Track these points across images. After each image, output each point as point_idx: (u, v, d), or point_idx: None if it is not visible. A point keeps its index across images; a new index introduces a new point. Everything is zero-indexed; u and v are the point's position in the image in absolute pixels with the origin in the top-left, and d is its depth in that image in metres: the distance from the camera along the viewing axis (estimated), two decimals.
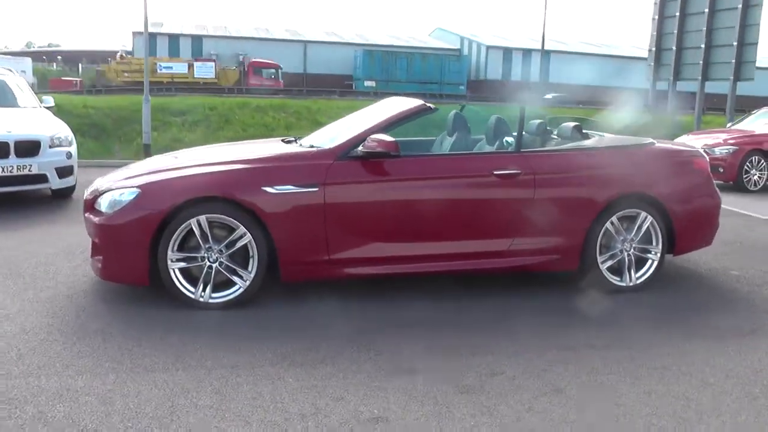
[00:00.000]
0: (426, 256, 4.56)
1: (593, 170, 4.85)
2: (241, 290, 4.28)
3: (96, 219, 4.32)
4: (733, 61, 18.16)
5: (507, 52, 43.61)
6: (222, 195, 4.20)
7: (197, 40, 41.47)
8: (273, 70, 38.01)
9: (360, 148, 4.43)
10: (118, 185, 4.41)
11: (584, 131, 5.35)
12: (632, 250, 4.97)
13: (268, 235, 4.24)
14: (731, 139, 10.94)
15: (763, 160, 10.54)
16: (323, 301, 4.47)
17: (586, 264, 4.88)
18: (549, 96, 23.71)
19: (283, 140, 5.46)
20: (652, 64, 22.05)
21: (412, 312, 4.39)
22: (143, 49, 14.80)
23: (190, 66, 36.37)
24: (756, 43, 17.83)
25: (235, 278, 4.27)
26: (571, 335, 4.10)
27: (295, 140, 5.28)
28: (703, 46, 19.30)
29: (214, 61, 37.40)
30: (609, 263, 4.94)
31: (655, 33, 21.66)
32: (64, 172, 7.53)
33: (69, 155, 7.61)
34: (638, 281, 5.00)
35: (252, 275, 4.26)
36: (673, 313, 4.67)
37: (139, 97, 19.90)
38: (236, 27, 46.62)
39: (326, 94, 31.31)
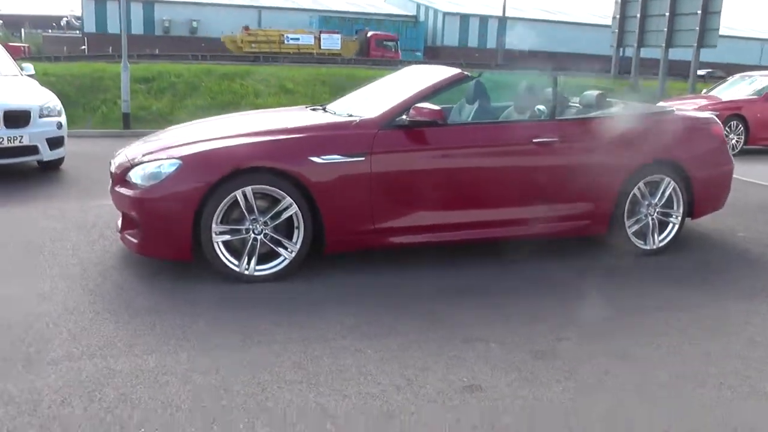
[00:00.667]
0: (468, 224, 4.57)
1: (623, 137, 4.91)
2: (287, 262, 4.20)
3: (132, 192, 4.15)
4: (697, 28, 18.58)
5: (464, 18, 43.55)
6: (269, 165, 4.09)
7: (149, 5, 40.00)
8: (392, 42, 38.49)
9: (404, 116, 4.37)
10: (153, 157, 4.24)
11: (608, 99, 5.39)
12: (655, 214, 5.09)
13: (313, 206, 4.16)
14: (711, 105, 11.25)
15: (741, 125, 10.91)
16: (370, 272, 4.44)
17: (614, 228, 4.98)
18: (703, 72, 23.82)
19: (308, 108, 5.39)
20: (616, 31, 22.39)
21: (463, 280, 4.38)
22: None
23: (316, 38, 36.85)
24: (719, 12, 18.28)
25: (280, 250, 4.19)
26: (619, 298, 4.19)
27: (323, 108, 5.18)
28: (667, 14, 19.67)
29: (338, 33, 37.64)
30: (635, 227, 5.05)
31: (619, 1, 21.96)
32: (54, 143, 7.20)
33: (59, 125, 7.27)
34: (660, 244, 5.14)
35: (297, 246, 4.19)
36: (699, 274, 4.80)
37: (98, 64, 19.20)
38: None
39: (279, 60, 30.69)
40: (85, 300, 3.85)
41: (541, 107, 5.12)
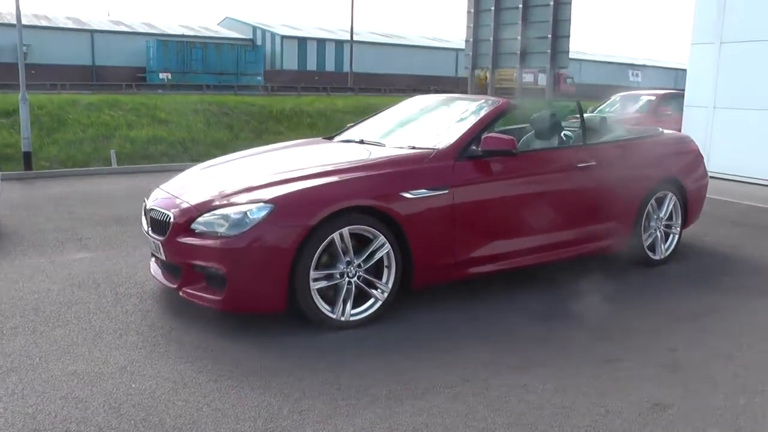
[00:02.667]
0: (534, 249, 4.70)
1: (643, 158, 5.35)
2: (380, 304, 4.04)
3: (214, 243, 3.76)
4: (549, 51, 20.30)
5: (302, 42, 43.83)
6: (366, 204, 3.92)
7: None
8: (571, 78, 39.46)
9: (477, 147, 4.41)
10: (229, 201, 3.88)
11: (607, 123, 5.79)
12: (662, 227, 5.57)
13: (404, 243, 4.06)
14: None
15: None
16: (446, 307, 4.40)
17: (633, 243, 5.36)
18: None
19: (323, 139, 5.30)
20: (470, 53, 23.78)
21: (536, 305, 4.50)
22: None
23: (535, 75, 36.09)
24: (568, 36, 20.05)
25: (373, 291, 4.03)
26: (666, 305, 4.61)
27: (343, 140, 5.09)
28: (519, 37, 21.28)
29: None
30: (648, 241, 5.49)
31: (471, 25, 23.34)
32: None
33: None
34: (666, 254, 5.63)
35: (389, 286, 4.05)
36: (708, 278, 5.32)
37: None
38: (12, 13, 40.81)
39: (115, 88, 28.96)
40: (183, 369, 3.42)
41: (568, 133, 5.40)
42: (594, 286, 4.80)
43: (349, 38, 44.46)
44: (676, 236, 5.71)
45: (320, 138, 5.63)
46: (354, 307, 3.98)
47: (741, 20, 9.85)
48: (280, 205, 3.76)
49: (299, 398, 3.09)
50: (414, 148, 4.53)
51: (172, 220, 3.95)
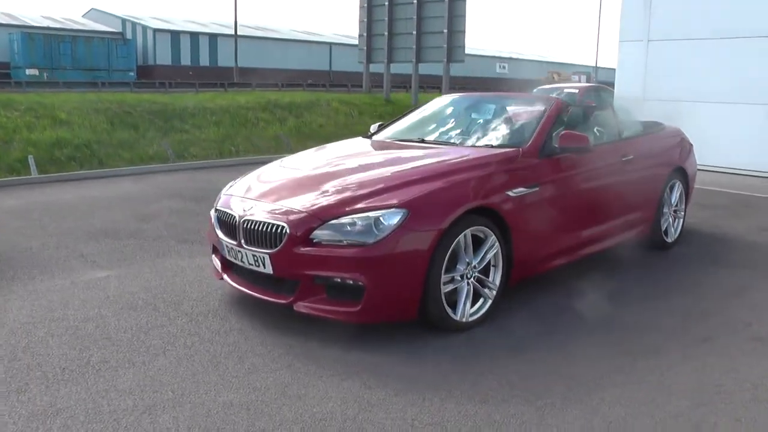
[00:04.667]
0: (595, 238, 4.92)
1: (660, 150, 5.73)
2: (490, 303, 4.03)
3: (348, 252, 3.54)
4: (445, 46, 20.88)
5: (175, 35, 41.72)
6: (485, 204, 3.89)
7: None
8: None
9: (555, 144, 4.50)
10: (351, 209, 3.67)
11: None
12: (672, 212, 5.99)
13: (508, 241, 4.08)
14: None
15: None
16: (546, 307, 4.47)
17: (654, 230, 5.73)
18: None
19: (364, 138, 5.31)
20: (365, 48, 23.90)
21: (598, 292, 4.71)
22: None
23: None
24: (463, 31, 20.79)
25: (485, 291, 4.01)
26: (702, 287, 4.95)
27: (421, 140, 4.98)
28: (414, 32, 21.70)
29: None
30: (664, 225, 5.88)
31: (365, 20, 23.46)
32: None
33: None
34: (676, 237, 6.07)
35: (497, 284, 4.06)
36: (718, 258, 5.82)
37: None
38: None
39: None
40: (350, 386, 3.22)
41: (600, 128, 5.63)
42: (635, 271, 5.11)
43: (222, 32, 43.12)
44: (682, 220, 6.17)
45: (360, 138, 5.46)
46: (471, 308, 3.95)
47: (666, 20, 10.73)
48: (413, 209, 3.62)
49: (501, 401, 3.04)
50: (492, 147, 4.55)
51: (288, 230, 3.68)
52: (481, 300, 4.00)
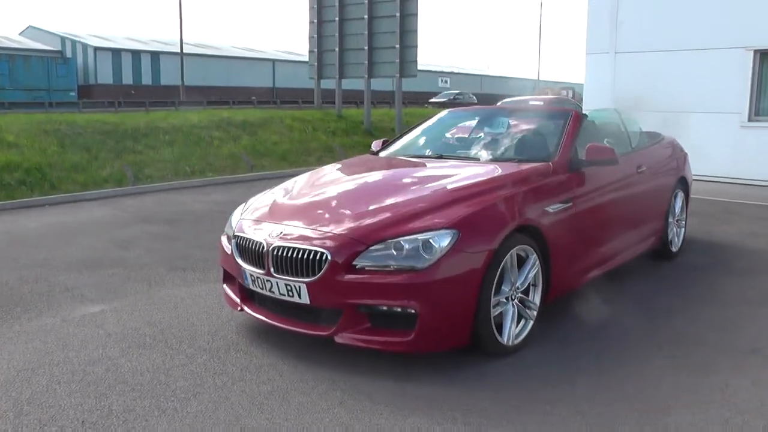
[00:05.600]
0: (620, 249, 4.81)
1: (666, 160, 5.70)
2: (531, 323, 3.83)
3: (396, 278, 3.26)
4: (398, 60, 20.83)
5: (116, 53, 40.39)
6: (530, 222, 3.69)
7: None
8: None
9: (582, 157, 4.37)
10: (397, 232, 3.39)
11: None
12: (675, 221, 5.96)
13: (546, 259, 3.89)
14: None
15: None
16: (577, 325, 4.30)
17: (663, 240, 5.68)
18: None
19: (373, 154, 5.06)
20: (315, 64, 23.65)
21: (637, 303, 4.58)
22: None
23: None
24: (415, 46, 20.78)
25: (528, 311, 3.81)
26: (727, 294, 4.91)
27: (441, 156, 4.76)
28: (366, 47, 21.58)
29: None
30: (670, 235, 5.83)
31: (315, 36, 23.22)
32: None
33: None
34: (680, 246, 6.04)
35: (538, 303, 3.86)
36: (723, 264, 5.81)
37: None
38: None
39: None
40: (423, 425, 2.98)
41: (610, 140, 5.53)
42: (649, 283, 5.07)
43: (164, 49, 42.11)
44: (684, 229, 6.14)
45: (368, 155, 5.20)
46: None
47: (632, 33, 10.91)
48: (464, 229, 3.38)
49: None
50: (520, 161, 4.38)
51: (329, 257, 3.38)
52: (523, 321, 3.79)
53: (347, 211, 3.65)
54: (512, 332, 3.66)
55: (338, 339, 3.42)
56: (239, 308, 3.95)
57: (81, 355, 3.76)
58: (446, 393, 3.23)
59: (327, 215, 3.66)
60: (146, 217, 8.07)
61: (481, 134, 5.03)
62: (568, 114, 4.79)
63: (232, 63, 44.72)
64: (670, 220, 5.81)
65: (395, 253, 3.32)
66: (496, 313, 3.54)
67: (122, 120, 17.35)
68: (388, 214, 3.55)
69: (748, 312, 4.51)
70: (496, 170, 4.19)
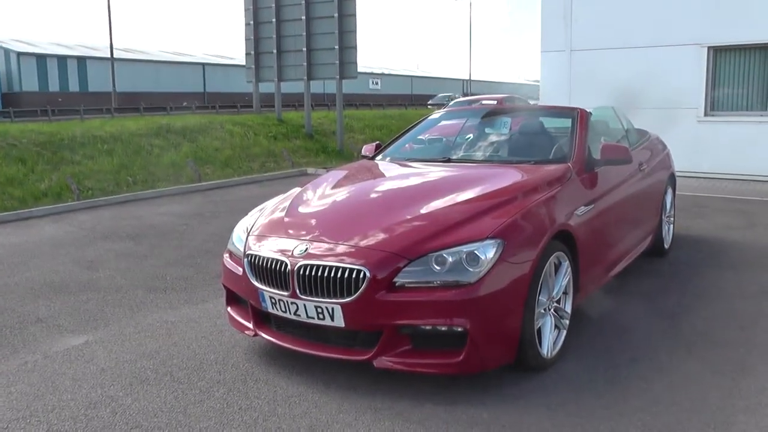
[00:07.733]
0: (629, 250, 4.73)
1: (659, 157, 5.67)
2: (565, 333, 3.66)
3: (443, 295, 3.01)
4: (337, 62, 20.52)
5: (41, 59, 38.23)
6: (565, 228, 3.52)
7: None
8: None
9: (597, 156, 4.24)
10: (436, 245, 3.14)
11: None
12: (667, 218, 5.96)
13: (576, 264, 3.73)
14: None
15: None
16: (601, 330, 4.16)
17: (658, 236, 5.65)
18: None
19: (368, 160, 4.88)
20: (253, 67, 23.05)
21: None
22: None
23: None
24: (355, 47, 20.51)
25: (561, 321, 3.63)
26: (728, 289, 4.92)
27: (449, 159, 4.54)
28: (304, 49, 21.18)
29: None
30: (663, 232, 5.82)
31: (252, 38, 22.63)
32: None
33: None
34: (671, 242, 6.04)
35: (569, 312, 3.70)
36: (718, 259, 5.84)
37: None
38: None
39: None
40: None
41: (607, 138, 5.44)
42: (651, 281, 5.07)
43: (91, 54, 40.26)
44: (672, 225, 6.15)
45: (366, 161, 4.91)
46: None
47: (587, 31, 11.00)
48: (508, 239, 3.16)
49: None
50: (537, 163, 4.21)
51: (368, 274, 3.10)
52: (557, 331, 3.62)
53: (376, 224, 3.38)
54: (550, 344, 3.49)
55: (377, 363, 3.15)
56: (253, 333, 3.62)
57: (78, 397, 3.35)
58: (500, 414, 3.02)
59: (355, 228, 3.37)
60: (106, 234, 7.52)
61: (485, 135, 4.85)
62: (574, 112, 4.66)
63: (161, 68, 43.29)
64: (663, 217, 5.80)
65: (437, 267, 3.07)
66: (538, 325, 3.35)
67: (57, 129, 16.38)
68: (424, 225, 3.31)
69: (755, 305, 4.50)
70: (519, 174, 4.01)
